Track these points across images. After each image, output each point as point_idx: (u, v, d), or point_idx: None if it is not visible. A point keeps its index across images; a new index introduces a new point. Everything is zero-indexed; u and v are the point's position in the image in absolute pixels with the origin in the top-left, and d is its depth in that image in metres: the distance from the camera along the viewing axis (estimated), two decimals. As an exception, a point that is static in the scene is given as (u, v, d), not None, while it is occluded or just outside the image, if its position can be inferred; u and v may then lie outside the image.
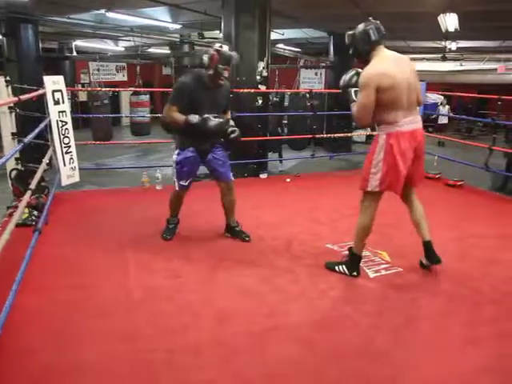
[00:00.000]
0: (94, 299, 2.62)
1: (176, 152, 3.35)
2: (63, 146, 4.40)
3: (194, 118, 3.07)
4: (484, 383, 2.00)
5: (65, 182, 4.51)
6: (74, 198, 4.67)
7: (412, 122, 2.69)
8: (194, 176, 3.45)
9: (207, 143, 3.31)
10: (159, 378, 1.99)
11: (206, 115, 3.06)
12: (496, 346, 2.25)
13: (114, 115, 11.59)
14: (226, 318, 2.45)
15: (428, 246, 2.96)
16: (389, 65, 2.63)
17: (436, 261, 2.95)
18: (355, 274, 2.94)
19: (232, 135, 3.23)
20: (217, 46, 3.12)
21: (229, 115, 3.48)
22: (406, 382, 1.99)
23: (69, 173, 4.52)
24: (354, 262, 2.97)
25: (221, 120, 3.12)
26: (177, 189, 3.42)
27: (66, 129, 4.42)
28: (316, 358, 2.14)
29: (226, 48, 3.11)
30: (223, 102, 3.35)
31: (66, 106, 4.42)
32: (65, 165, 4.45)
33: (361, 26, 2.70)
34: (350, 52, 2.78)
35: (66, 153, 4.45)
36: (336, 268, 3.01)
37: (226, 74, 3.13)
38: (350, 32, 2.75)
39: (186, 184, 3.39)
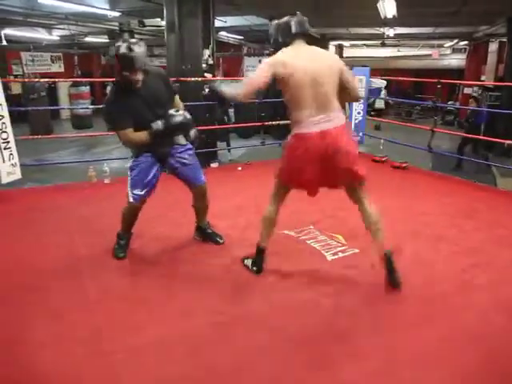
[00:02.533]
0: (47, 301, 2.50)
1: (131, 161, 2.96)
2: (1, 141, 4.14)
3: (157, 125, 2.74)
4: (441, 355, 2.10)
5: (5, 179, 4.24)
6: (17, 196, 4.41)
7: (322, 122, 2.42)
8: (152, 185, 2.96)
9: (165, 145, 2.92)
10: (122, 378, 1.93)
11: (168, 113, 2.78)
12: (450, 319, 2.37)
13: (53, 107, 11.02)
14: (188, 312, 2.41)
15: (387, 261, 2.58)
16: (295, 57, 2.46)
17: (395, 284, 2.58)
18: (255, 269, 2.80)
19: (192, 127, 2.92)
20: (117, 48, 2.66)
21: (179, 102, 3.10)
22: (369, 360, 2.05)
23: (9, 170, 4.25)
24: (257, 255, 2.83)
25: (182, 111, 2.85)
26: (130, 200, 2.91)
27: (3, 123, 4.15)
28: (283, 343, 2.16)
29: (124, 46, 2.63)
30: (164, 93, 2.92)
31: (1, 98, 4.14)
32: (4, 161, 4.19)
33: (285, 18, 2.58)
34: (271, 42, 2.63)
35: (5, 149, 4.18)
36: (244, 261, 2.90)
37: (136, 77, 2.72)
38: (275, 22, 2.63)
39: (142, 193, 2.90)
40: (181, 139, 2.99)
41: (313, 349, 2.12)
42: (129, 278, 2.82)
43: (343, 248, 3.20)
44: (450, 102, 15.30)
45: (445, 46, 16.49)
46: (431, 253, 3.17)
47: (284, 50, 2.51)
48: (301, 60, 2.44)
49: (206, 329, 2.27)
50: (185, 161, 3.01)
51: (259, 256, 2.81)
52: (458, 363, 2.03)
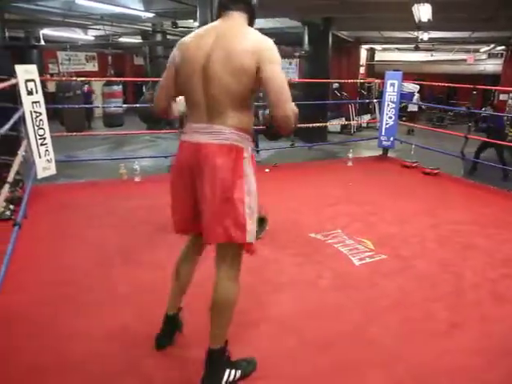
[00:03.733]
0: (77, 296, 2.56)
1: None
2: (38, 137, 4.26)
3: None
4: (472, 364, 2.05)
5: (41, 174, 4.37)
6: (52, 191, 4.53)
7: (200, 132, 1.72)
8: None
9: None
10: (152, 374, 1.96)
11: None
12: (480, 328, 2.32)
13: (87, 106, 11.28)
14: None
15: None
16: (197, 36, 1.76)
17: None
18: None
19: None
20: None
21: None
22: (396, 368, 2.02)
23: (44, 165, 4.38)
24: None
25: None
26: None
27: (41, 120, 4.28)
28: (308, 347, 2.15)
29: None
30: None
31: (39, 96, 4.27)
32: (40, 157, 4.32)
33: None
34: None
35: (41, 144, 4.31)
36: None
37: None
38: None
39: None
40: None
41: (338, 353, 2.11)
42: (159, 272, 2.85)
43: (371, 253, 3.17)
44: (483, 109, 14.93)
45: (480, 50, 16.10)
46: (460, 261, 3.10)
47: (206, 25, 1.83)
48: (201, 44, 1.71)
49: (232, 328, 2.27)
50: None
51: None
52: (489, 377, 1.97)
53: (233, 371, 1.88)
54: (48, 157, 4.41)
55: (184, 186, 1.81)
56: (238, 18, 1.77)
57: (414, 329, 2.31)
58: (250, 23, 1.84)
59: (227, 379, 1.86)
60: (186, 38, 1.80)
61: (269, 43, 1.70)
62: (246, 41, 1.67)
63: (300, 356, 2.08)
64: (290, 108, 1.65)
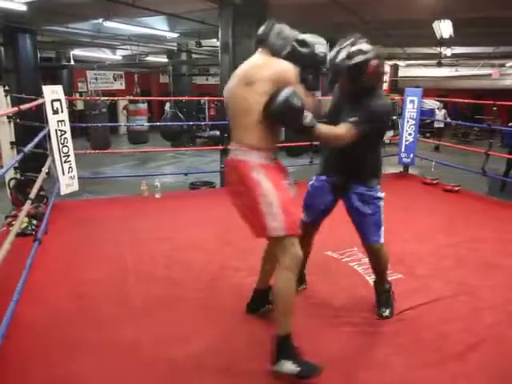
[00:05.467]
0: (94, 309, 2.62)
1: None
2: (62, 155, 4.41)
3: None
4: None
5: (64, 190, 4.51)
6: (73, 207, 4.67)
7: (233, 150, 2.12)
8: (316, 212, 2.62)
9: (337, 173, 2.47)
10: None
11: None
12: (496, 350, 2.26)
13: (112, 124, 11.62)
14: (226, 330, 2.45)
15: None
16: (235, 72, 2.17)
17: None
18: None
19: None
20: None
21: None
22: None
23: (68, 182, 4.52)
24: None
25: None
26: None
27: (65, 138, 4.43)
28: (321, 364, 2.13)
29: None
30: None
31: (64, 115, 4.43)
32: (64, 174, 4.46)
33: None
34: None
35: (65, 162, 4.45)
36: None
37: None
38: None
39: (304, 219, 2.55)
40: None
41: (348, 373, 2.09)
42: (173, 289, 2.90)
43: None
44: (510, 124, 14.63)
45: (506, 65, 15.85)
46: (478, 281, 3.03)
47: None
48: (236, 73, 2.15)
49: (241, 343, 2.29)
50: (354, 203, 2.47)
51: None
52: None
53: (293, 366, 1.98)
54: (71, 174, 4.55)
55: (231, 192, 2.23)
56: (264, 53, 2.15)
57: (427, 350, 2.27)
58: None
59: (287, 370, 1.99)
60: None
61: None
62: (261, 68, 2.04)
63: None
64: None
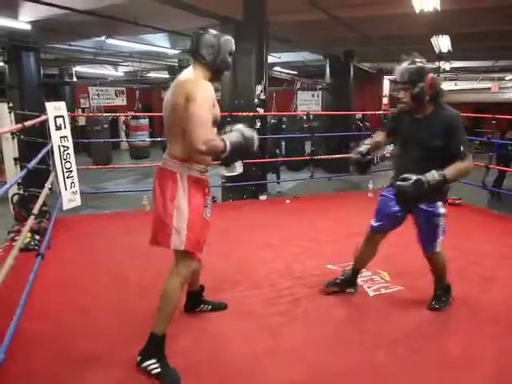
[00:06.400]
0: (97, 323, 2.63)
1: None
2: (65, 170, 4.46)
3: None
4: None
5: (66, 206, 4.55)
6: (75, 222, 4.69)
7: (164, 160, 2.23)
8: (388, 220, 2.74)
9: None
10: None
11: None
12: (497, 363, 2.26)
13: (114, 140, 11.71)
14: (225, 340, 2.45)
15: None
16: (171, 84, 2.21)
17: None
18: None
19: None
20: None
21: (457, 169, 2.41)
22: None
23: (70, 197, 4.56)
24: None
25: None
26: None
27: (68, 154, 4.48)
28: (320, 379, 2.14)
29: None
30: (435, 139, 2.45)
31: (67, 131, 4.49)
32: (66, 189, 4.50)
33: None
34: None
35: (68, 177, 4.50)
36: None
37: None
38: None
39: (375, 224, 2.79)
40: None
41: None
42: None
43: (387, 284, 3.14)
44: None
45: (506, 78, 15.99)
46: (478, 294, 3.04)
47: None
48: (171, 85, 2.18)
49: (242, 358, 2.29)
50: (420, 215, 2.64)
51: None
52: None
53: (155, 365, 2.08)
54: (74, 189, 4.59)
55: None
56: (192, 64, 2.16)
57: (426, 362, 2.27)
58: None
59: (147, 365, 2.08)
60: None
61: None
62: (177, 83, 2.12)
63: (310, 388, 2.07)
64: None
